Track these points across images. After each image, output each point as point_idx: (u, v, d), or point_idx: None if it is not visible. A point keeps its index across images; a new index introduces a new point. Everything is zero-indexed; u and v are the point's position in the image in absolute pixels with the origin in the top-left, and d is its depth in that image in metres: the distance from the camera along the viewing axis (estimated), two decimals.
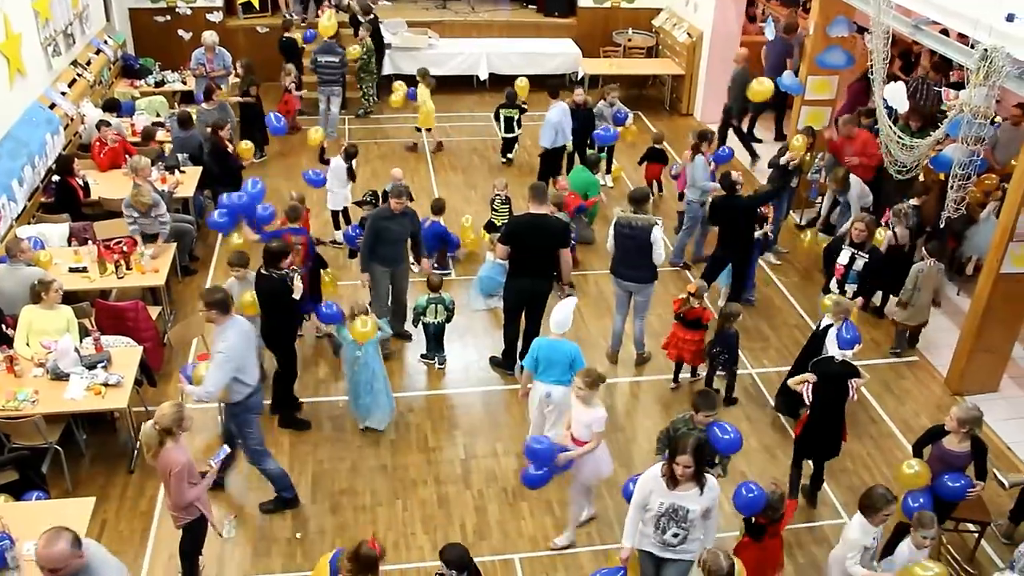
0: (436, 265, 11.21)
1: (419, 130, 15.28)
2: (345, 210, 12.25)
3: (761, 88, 12.57)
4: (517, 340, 9.82)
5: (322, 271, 10.11)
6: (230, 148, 12.49)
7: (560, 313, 8.07)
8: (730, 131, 14.99)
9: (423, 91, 14.91)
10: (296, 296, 8.53)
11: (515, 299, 9.62)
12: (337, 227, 12.29)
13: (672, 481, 6.09)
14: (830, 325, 8.54)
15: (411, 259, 10.28)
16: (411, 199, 9.79)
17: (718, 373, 9.57)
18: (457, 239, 11.78)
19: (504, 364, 9.98)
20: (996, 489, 8.09)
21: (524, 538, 7.86)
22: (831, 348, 8.29)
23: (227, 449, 7.03)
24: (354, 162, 11.97)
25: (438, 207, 11.50)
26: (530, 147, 15.13)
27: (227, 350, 7.22)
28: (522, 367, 9.26)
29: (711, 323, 9.46)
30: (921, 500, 6.89)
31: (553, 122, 13.13)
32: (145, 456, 6.57)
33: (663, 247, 9.46)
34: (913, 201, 10.61)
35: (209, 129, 12.44)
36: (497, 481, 8.47)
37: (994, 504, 8.01)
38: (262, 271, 8.42)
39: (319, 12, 16.28)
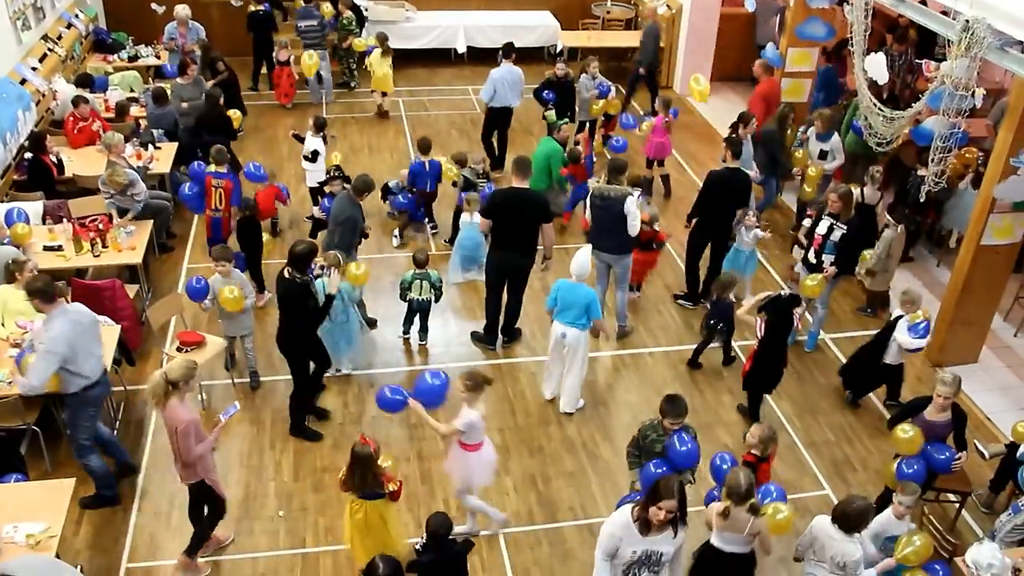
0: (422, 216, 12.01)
1: (384, 95, 15.50)
2: (322, 186, 12.13)
3: (698, 87, 12.75)
4: (499, 315, 9.79)
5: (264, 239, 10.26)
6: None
7: (578, 260, 8.38)
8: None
9: (376, 55, 14.98)
10: (320, 300, 8.16)
11: (496, 273, 9.58)
12: (315, 203, 12.15)
13: (646, 527, 5.52)
14: (900, 316, 8.61)
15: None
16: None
17: (712, 346, 9.75)
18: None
19: (486, 340, 9.94)
20: (976, 459, 8.16)
21: (508, 513, 7.85)
22: (900, 338, 8.53)
23: (237, 406, 7.07)
24: (325, 133, 12.00)
25: (425, 145, 11.53)
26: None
27: (49, 341, 6.93)
28: (505, 340, 9.29)
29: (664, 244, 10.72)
30: (915, 467, 6.96)
31: (493, 78, 13.21)
32: (153, 404, 6.66)
33: (638, 218, 9.41)
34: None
35: (206, 96, 12.63)
36: None
37: (974, 474, 8.09)
38: (284, 273, 8.00)
39: None
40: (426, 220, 12.08)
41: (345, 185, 9.97)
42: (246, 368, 9.27)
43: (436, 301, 9.66)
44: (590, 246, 8.80)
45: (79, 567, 6.96)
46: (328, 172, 10.65)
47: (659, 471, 6.61)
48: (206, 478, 6.81)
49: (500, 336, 9.87)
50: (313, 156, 11.65)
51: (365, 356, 9.55)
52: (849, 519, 6.08)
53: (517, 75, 13.31)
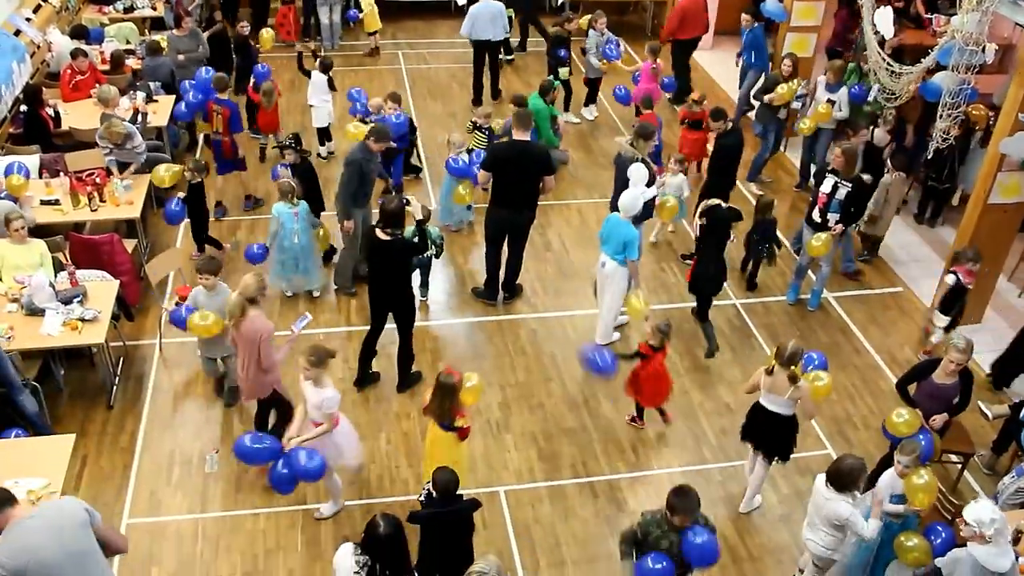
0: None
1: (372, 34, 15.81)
2: (328, 128, 12.41)
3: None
4: (499, 271, 9.74)
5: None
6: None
7: (628, 195, 8.52)
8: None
9: None
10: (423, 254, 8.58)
11: (495, 228, 9.52)
12: (322, 143, 12.50)
13: None
14: None
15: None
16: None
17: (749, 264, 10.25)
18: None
19: (486, 295, 9.89)
20: (979, 420, 8.15)
21: (509, 471, 7.85)
22: None
23: (308, 316, 7.55)
24: (331, 74, 12.15)
25: (396, 96, 11.18)
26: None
27: None
28: (506, 296, 9.48)
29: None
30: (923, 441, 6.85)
31: (471, 13, 13.52)
32: (228, 325, 7.14)
33: (639, 188, 8.98)
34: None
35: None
36: (481, 413, 8.41)
37: (977, 436, 8.06)
38: (378, 234, 7.88)
39: None
40: (403, 176, 11.71)
41: (301, 155, 9.74)
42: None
43: (437, 257, 9.56)
44: (641, 186, 8.78)
45: None
46: (281, 142, 9.85)
47: (658, 566, 5.68)
48: (277, 387, 7.31)
49: (500, 292, 9.80)
50: (331, 85, 12.02)
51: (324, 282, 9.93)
52: (840, 477, 6.09)
53: (496, 8, 13.44)
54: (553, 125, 12.02)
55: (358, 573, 4.84)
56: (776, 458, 7.26)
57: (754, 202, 10.73)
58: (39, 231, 8.93)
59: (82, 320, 7.90)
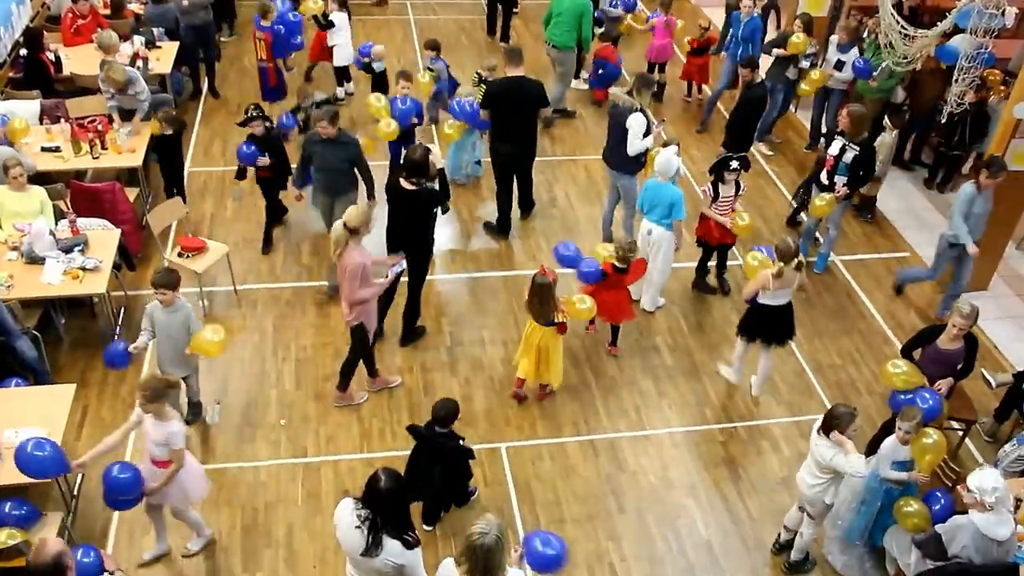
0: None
1: None
2: (347, 68, 12.40)
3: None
4: (510, 208, 9.90)
5: None
6: None
7: (663, 158, 8.56)
8: None
9: None
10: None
11: (500, 164, 9.71)
12: (340, 84, 12.48)
13: None
14: None
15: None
16: (334, 121, 8.46)
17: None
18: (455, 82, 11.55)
19: (498, 230, 10.06)
20: (982, 388, 8.13)
21: (511, 427, 7.85)
22: None
23: (403, 264, 7.60)
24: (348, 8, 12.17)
25: (433, 44, 11.10)
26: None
27: None
28: (524, 214, 9.93)
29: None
30: (930, 401, 6.80)
31: None
32: (333, 255, 7.09)
33: (640, 139, 9.06)
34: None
35: None
36: (484, 370, 8.40)
37: (979, 403, 8.04)
38: (402, 184, 7.84)
39: None
40: None
41: (267, 125, 9.22)
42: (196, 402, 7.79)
43: (443, 213, 9.32)
44: (674, 147, 8.86)
45: (81, 476, 6.97)
46: (247, 112, 9.09)
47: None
48: (365, 322, 7.38)
49: (518, 213, 10.18)
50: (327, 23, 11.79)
51: None
52: (828, 421, 6.18)
53: None
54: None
55: (359, 527, 4.82)
56: (784, 341, 8.03)
57: (763, 162, 10.67)
58: (39, 178, 8.84)
59: (83, 269, 7.84)
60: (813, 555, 6.87)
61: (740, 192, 8.94)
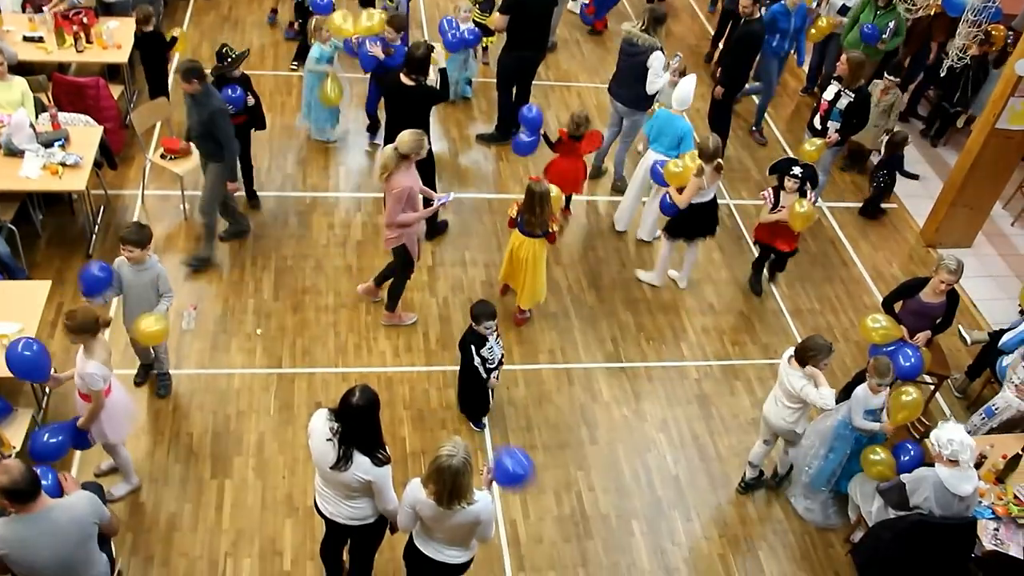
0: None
1: None
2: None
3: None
4: (512, 113, 9.86)
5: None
6: None
7: (682, 88, 8.49)
8: None
9: None
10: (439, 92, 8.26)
11: (514, 68, 9.76)
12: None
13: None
14: None
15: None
16: (188, 77, 7.32)
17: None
18: None
19: (499, 137, 10.16)
20: (957, 344, 8.18)
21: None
22: None
23: (452, 194, 7.49)
24: None
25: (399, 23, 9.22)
26: None
27: None
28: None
29: None
30: (912, 359, 6.84)
31: None
32: (380, 178, 7.02)
33: (659, 76, 8.99)
34: None
35: None
36: (463, 291, 8.37)
37: (952, 358, 8.10)
38: (403, 80, 7.88)
39: None
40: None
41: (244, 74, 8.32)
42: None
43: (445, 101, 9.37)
44: (694, 76, 8.74)
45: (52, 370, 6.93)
46: (223, 55, 8.07)
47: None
48: (407, 244, 7.34)
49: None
50: None
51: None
52: (804, 352, 6.25)
53: None
54: None
55: (331, 440, 4.83)
56: (711, 233, 8.54)
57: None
58: (21, 69, 8.62)
59: (63, 165, 7.69)
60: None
61: (808, 192, 8.20)
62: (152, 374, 7.12)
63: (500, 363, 6.92)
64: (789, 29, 10.51)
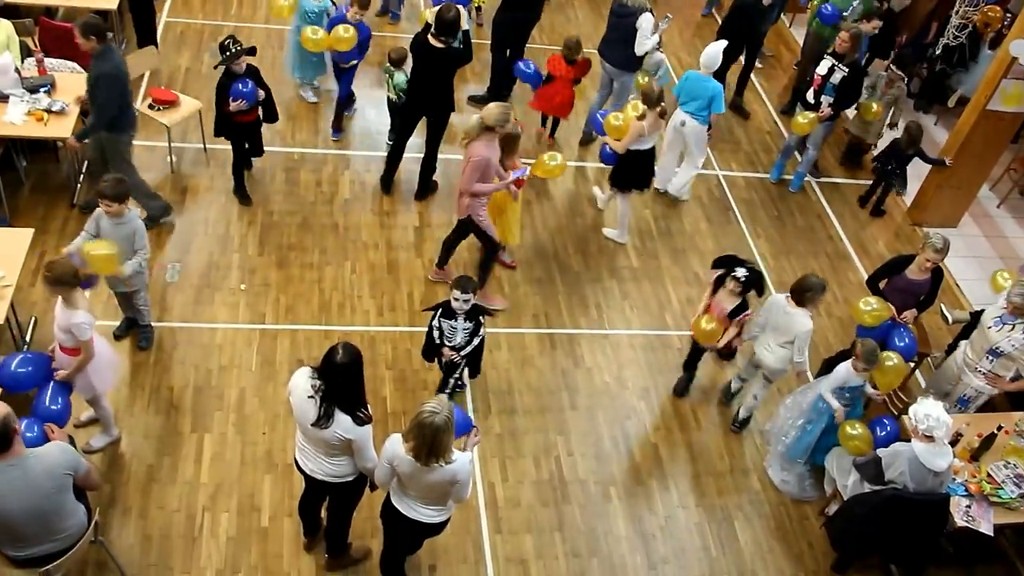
0: None
1: None
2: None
3: None
4: (505, 74, 9.94)
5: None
6: None
7: (710, 51, 8.66)
8: None
9: None
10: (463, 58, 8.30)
11: (509, 29, 9.77)
12: None
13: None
14: None
15: None
16: (87, 33, 6.90)
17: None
18: None
19: (489, 99, 9.95)
20: (938, 322, 8.22)
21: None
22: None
23: (527, 169, 7.51)
24: None
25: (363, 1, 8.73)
26: None
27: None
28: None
29: None
30: (906, 339, 6.95)
31: None
32: (461, 142, 7.26)
33: (648, 38, 8.99)
34: None
35: None
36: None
37: (933, 337, 8.15)
38: (431, 41, 7.93)
39: None
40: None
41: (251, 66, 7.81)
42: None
43: (399, 100, 8.90)
44: (723, 42, 8.87)
45: (33, 322, 6.91)
46: (225, 47, 7.56)
47: None
48: (473, 216, 7.38)
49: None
50: None
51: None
52: (802, 291, 6.54)
53: None
54: None
55: (312, 398, 4.82)
56: (641, 189, 8.69)
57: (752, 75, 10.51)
58: (6, 11, 8.49)
59: (48, 111, 7.59)
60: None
61: (744, 316, 6.91)
62: (134, 327, 7.09)
63: (469, 354, 6.62)
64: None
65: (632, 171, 8.45)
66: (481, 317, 6.57)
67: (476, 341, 6.56)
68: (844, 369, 6.43)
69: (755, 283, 6.77)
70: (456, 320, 6.43)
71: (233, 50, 7.50)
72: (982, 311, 7.31)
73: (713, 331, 6.67)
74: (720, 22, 10.60)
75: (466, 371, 6.90)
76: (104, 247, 5.96)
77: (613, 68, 9.36)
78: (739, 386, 7.46)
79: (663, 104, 8.11)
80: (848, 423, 6.44)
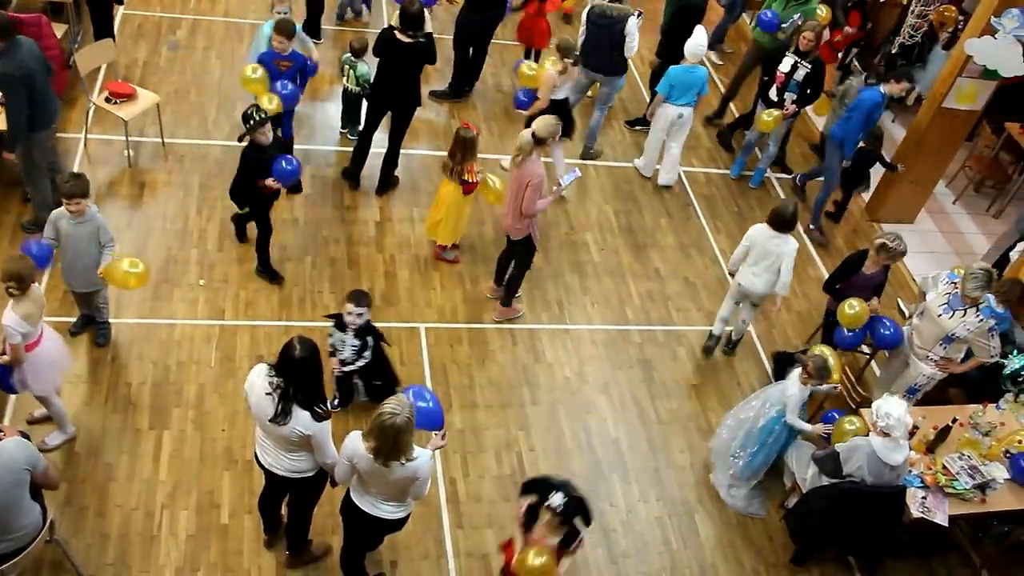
0: None
1: None
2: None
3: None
4: (466, 73, 10.06)
5: None
6: None
7: (694, 41, 8.95)
8: None
9: None
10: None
11: (474, 27, 9.78)
12: None
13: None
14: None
15: None
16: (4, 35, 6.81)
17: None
18: None
19: (450, 95, 10.19)
20: (895, 316, 8.31)
21: (432, 308, 7.84)
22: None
23: (578, 172, 7.48)
24: None
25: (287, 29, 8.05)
26: None
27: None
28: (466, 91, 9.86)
29: None
30: (891, 328, 7.12)
31: None
32: (514, 162, 7.03)
33: (636, 39, 9.15)
34: None
35: None
36: (410, 247, 8.34)
37: None
38: (398, 36, 7.85)
39: None
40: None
41: (277, 133, 7.34)
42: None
43: (363, 94, 8.90)
44: (703, 28, 9.15)
45: None
46: (248, 116, 6.93)
47: None
48: (533, 233, 7.36)
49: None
50: None
51: None
52: (784, 221, 7.08)
53: None
54: None
55: (270, 394, 4.79)
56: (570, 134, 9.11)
57: (712, 71, 10.58)
58: None
59: (2, 104, 7.44)
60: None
61: (574, 547, 5.06)
62: (91, 324, 6.99)
63: (362, 372, 6.61)
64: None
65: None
66: (369, 338, 6.50)
67: (361, 362, 6.53)
68: (797, 391, 6.43)
69: (578, 510, 4.94)
70: (346, 333, 6.43)
71: (257, 118, 6.88)
72: None
73: (545, 567, 4.77)
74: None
75: (361, 388, 6.84)
76: (130, 265, 6.23)
77: (603, 76, 9.42)
78: (721, 329, 7.87)
79: (576, 54, 8.55)
80: (846, 303, 6.96)
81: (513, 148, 7.11)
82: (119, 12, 10.01)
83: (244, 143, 7.07)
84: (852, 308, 6.97)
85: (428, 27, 8.25)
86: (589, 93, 10.09)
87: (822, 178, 9.52)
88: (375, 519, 5.05)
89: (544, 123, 6.96)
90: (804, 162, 10.59)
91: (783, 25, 9.89)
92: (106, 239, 6.31)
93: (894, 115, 11.61)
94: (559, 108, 8.63)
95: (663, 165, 9.65)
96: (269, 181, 7.04)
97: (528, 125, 8.16)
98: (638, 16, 9.28)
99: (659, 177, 9.69)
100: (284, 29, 7.85)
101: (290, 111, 8.30)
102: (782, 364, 7.57)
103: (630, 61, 9.68)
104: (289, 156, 7.16)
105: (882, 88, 8.70)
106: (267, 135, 6.96)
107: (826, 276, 8.72)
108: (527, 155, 6.95)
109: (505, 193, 7.48)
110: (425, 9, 8.23)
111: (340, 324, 6.42)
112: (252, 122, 6.86)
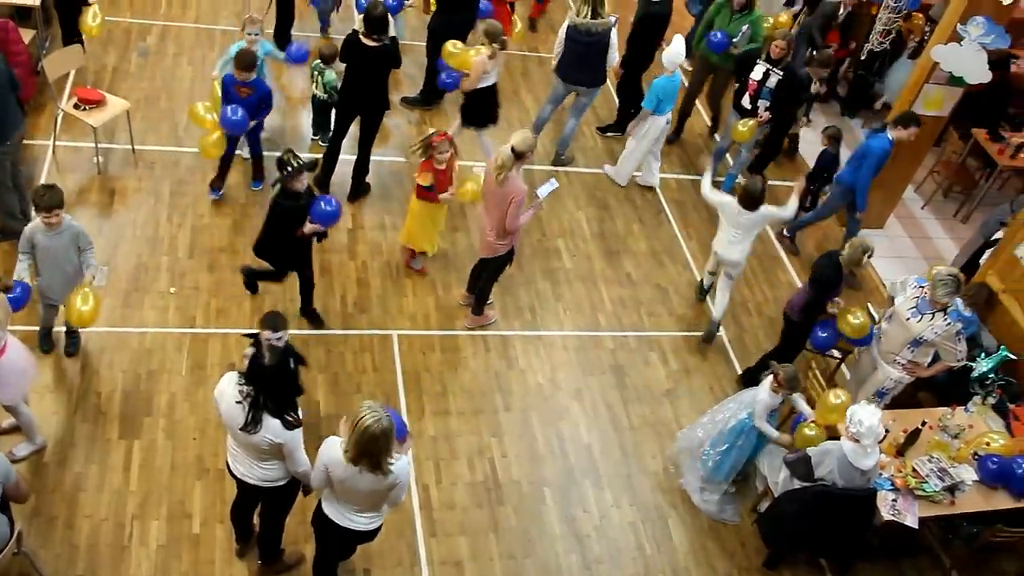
0: None
1: None
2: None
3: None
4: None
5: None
6: None
7: (673, 50, 8.92)
8: None
9: None
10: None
11: (446, 32, 9.41)
12: None
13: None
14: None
15: None
16: None
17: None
18: None
19: (421, 102, 10.20)
20: None
21: (404, 315, 7.83)
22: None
23: (555, 183, 7.41)
24: None
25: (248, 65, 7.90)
26: None
27: None
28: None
29: None
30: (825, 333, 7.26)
31: None
32: (496, 179, 6.88)
33: (616, 49, 9.36)
34: None
35: None
36: (383, 255, 8.32)
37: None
38: (363, 40, 7.85)
39: None
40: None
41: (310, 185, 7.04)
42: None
43: (331, 100, 8.87)
44: (680, 37, 9.11)
45: None
46: (283, 162, 6.61)
47: None
48: (514, 246, 7.40)
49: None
50: None
51: None
52: (754, 198, 7.48)
53: None
54: None
55: (240, 403, 4.76)
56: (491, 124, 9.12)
57: (684, 78, 10.59)
58: None
59: None
60: None
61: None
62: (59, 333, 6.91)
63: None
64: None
65: (481, 107, 8.91)
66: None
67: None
68: (766, 397, 6.49)
69: None
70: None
71: (295, 164, 6.56)
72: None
73: None
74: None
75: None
76: (83, 301, 6.10)
77: (585, 88, 9.45)
78: (711, 280, 8.33)
79: (504, 39, 8.59)
80: (849, 311, 7.07)
81: (491, 165, 7.06)
82: (89, 13, 9.90)
83: (274, 191, 6.80)
84: (857, 319, 7.04)
85: (393, 32, 8.25)
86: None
87: (812, 221, 9.59)
88: (348, 531, 5.03)
89: (521, 137, 6.93)
90: (774, 167, 10.61)
91: (734, 40, 9.80)
92: (85, 243, 6.30)
93: (862, 122, 11.72)
94: (487, 95, 8.84)
95: (645, 167, 9.71)
96: (308, 228, 6.78)
97: (462, 109, 8.93)
98: (615, 22, 9.34)
99: (645, 179, 9.82)
100: (242, 62, 7.66)
101: (257, 128, 8.26)
102: (754, 374, 7.61)
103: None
104: (327, 196, 6.88)
105: (889, 134, 8.54)
106: (303, 182, 6.68)
107: (797, 281, 8.87)
108: (508, 171, 6.89)
109: (482, 206, 7.44)
110: (392, 17, 8.22)
111: (258, 345, 5.83)
112: (289, 169, 6.54)
